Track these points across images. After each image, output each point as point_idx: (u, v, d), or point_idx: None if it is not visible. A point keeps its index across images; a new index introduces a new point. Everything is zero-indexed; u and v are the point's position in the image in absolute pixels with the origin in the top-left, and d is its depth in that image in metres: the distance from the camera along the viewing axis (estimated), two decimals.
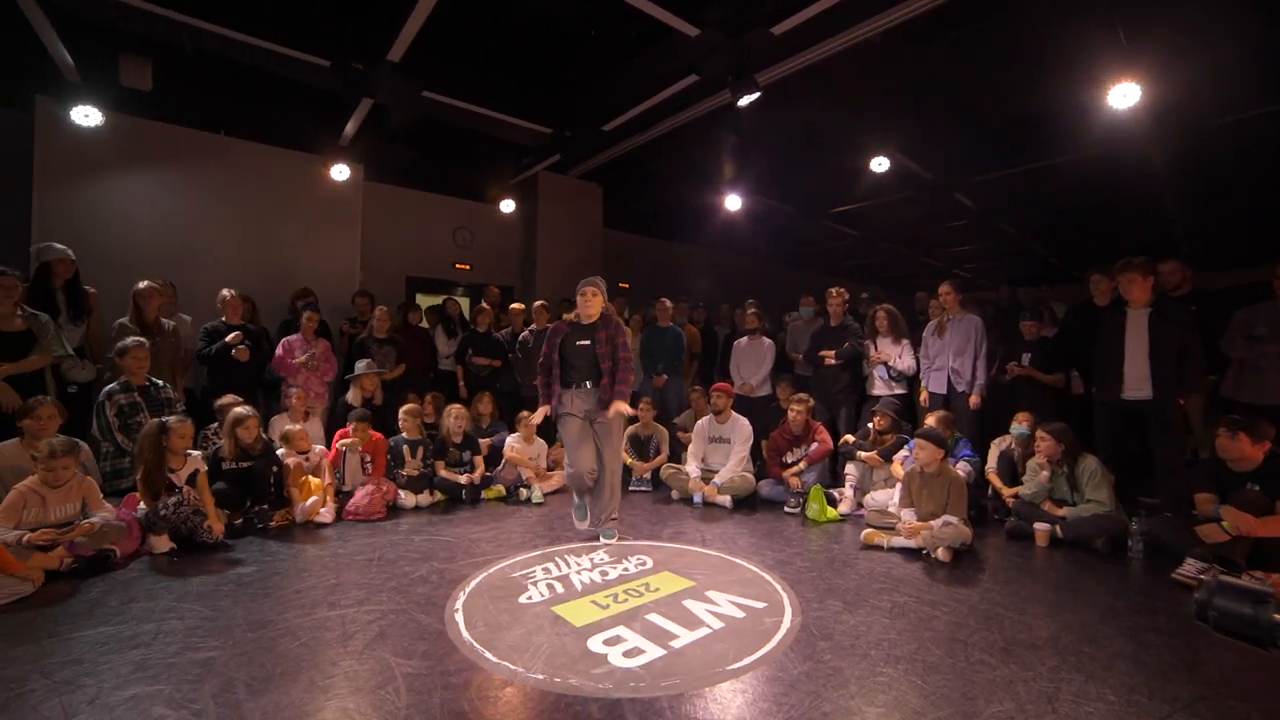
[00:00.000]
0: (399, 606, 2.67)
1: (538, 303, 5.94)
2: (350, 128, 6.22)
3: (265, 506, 3.88)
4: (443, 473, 4.59)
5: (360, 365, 5.07)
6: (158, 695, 1.95)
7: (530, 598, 2.78)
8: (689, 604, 2.73)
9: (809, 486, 4.45)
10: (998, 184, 7.37)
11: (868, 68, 4.92)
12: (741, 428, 4.82)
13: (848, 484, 4.55)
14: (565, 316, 3.89)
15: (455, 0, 4.19)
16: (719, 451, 4.85)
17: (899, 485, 4.16)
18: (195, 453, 3.66)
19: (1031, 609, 2.75)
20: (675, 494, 4.78)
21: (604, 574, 3.10)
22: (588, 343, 3.64)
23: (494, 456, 4.97)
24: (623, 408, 3.58)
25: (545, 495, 4.74)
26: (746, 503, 4.64)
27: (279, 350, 5.06)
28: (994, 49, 4.66)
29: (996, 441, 4.49)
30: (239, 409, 3.96)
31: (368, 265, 7.05)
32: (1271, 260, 3.87)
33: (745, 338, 5.91)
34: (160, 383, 4.16)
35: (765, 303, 6.23)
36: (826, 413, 5.23)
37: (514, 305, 6.34)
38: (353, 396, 5.02)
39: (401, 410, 4.72)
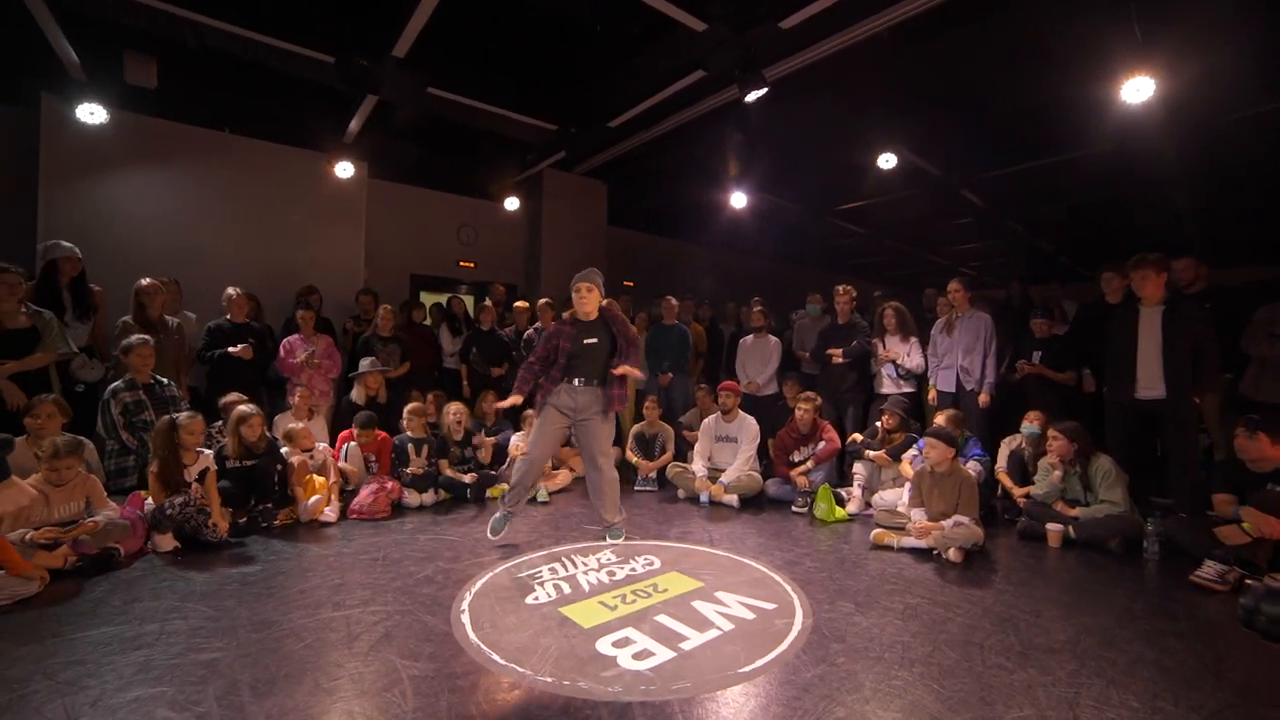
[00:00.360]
0: (404, 607, 2.64)
1: (542, 300, 5.91)
2: (354, 125, 6.19)
3: (269, 505, 3.85)
4: (447, 471, 4.57)
5: (364, 363, 5.05)
6: (161, 697, 1.92)
7: (537, 598, 2.75)
8: (698, 605, 2.69)
9: (817, 486, 4.41)
10: (1006, 180, 7.30)
11: (876, 63, 4.86)
12: (749, 426, 4.78)
13: (855, 483, 4.51)
14: (565, 315, 3.74)
15: None
16: (725, 450, 4.81)
17: (908, 485, 4.12)
18: (207, 451, 3.64)
19: (1047, 611, 2.70)
20: (681, 493, 4.74)
21: (611, 574, 3.06)
22: (596, 341, 3.56)
23: (499, 455, 4.93)
24: (633, 370, 3.53)
25: (550, 494, 4.71)
26: (753, 502, 4.60)
27: (281, 351, 5.04)
28: (1003, 43, 4.60)
29: (1006, 441, 4.44)
30: (242, 407, 3.93)
31: (372, 263, 7.02)
32: None
33: (751, 336, 5.87)
34: (165, 380, 4.14)
35: (771, 301, 6.18)
36: (834, 411, 5.18)
37: (518, 303, 6.31)
38: (357, 395, 4.99)
39: (406, 409, 4.69)
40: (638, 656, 2.22)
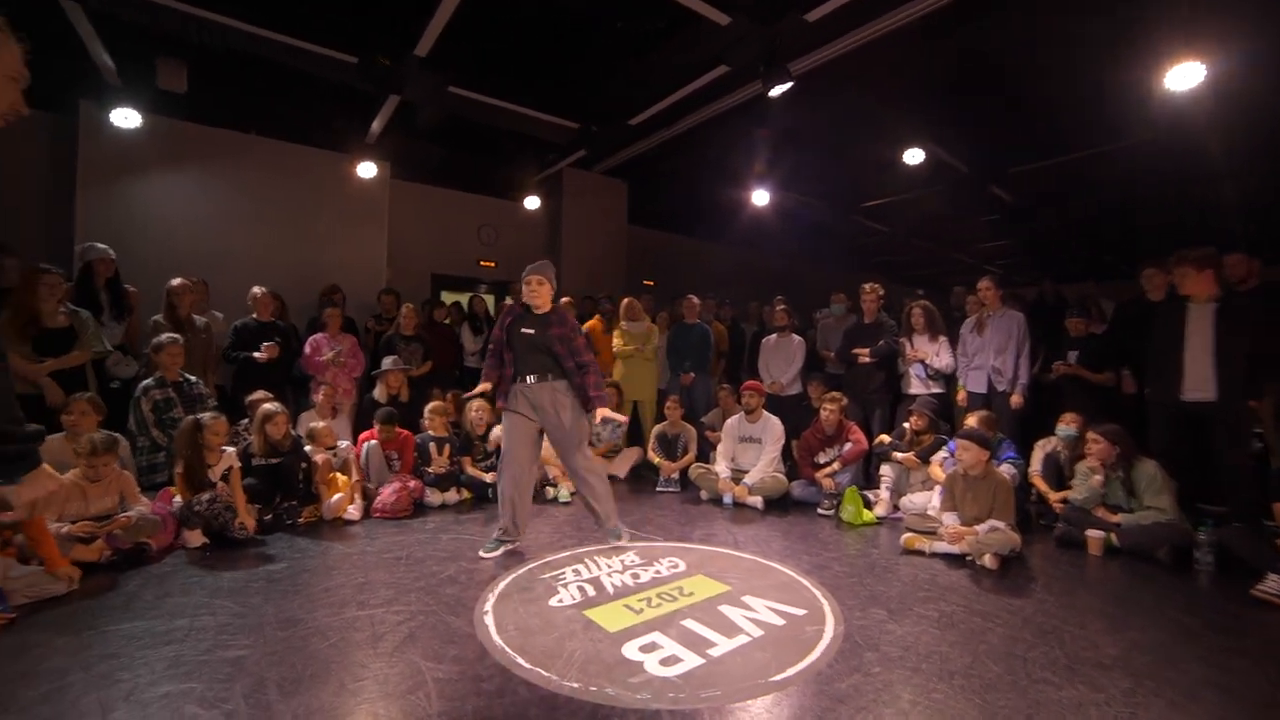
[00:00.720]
0: (428, 607, 2.62)
1: (564, 299, 5.88)
2: (377, 125, 6.23)
3: (294, 502, 3.87)
4: (469, 469, 4.56)
5: (387, 362, 5.06)
6: (190, 693, 1.92)
7: (561, 600, 2.71)
8: (725, 609, 2.63)
9: (843, 488, 4.31)
10: (1036, 175, 7.11)
11: (902, 55, 4.75)
12: (773, 427, 4.70)
13: (883, 486, 4.40)
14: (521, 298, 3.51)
15: None
16: (749, 451, 4.73)
17: (938, 488, 4.01)
18: (230, 449, 3.67)
19: (1093, 624, 2.58)
20: (704, 494, 4.67)
21: (635, 576, 3.01)
22: (532, 332, 3.31)
23: None
24: (607, 412, 3.30)
25: (572, 494, 4.67)
26: (778, 504, 4.52)
27: (307, 349, 5.07)
28: (1035, 32, 4.46)
29: (1040, 443, 4.29)
30: (268, 405, 3.96)
31: (394, 262, 7.07)
32: None
33: (774, 335, 5.78)
34: (193, 379, 4.20)
35: (793, 299, 6.09)
36: (860, 412, 5.07)
37: None
38: (379, 393, 5.01)
39: (427, 408, 4.69)
40: (665, 662, 2.16)
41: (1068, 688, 2.04)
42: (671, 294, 7.24)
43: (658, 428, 5.30)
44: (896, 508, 4.28)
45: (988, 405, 4.59)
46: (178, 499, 3.44)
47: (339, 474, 4.15)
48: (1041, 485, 4.09)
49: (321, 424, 4.37)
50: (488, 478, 4.52)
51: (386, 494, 4.12)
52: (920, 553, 3.45)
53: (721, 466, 4.67)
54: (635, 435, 5.80)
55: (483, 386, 3.49)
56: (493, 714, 1.85)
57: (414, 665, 2.12)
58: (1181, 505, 3.48)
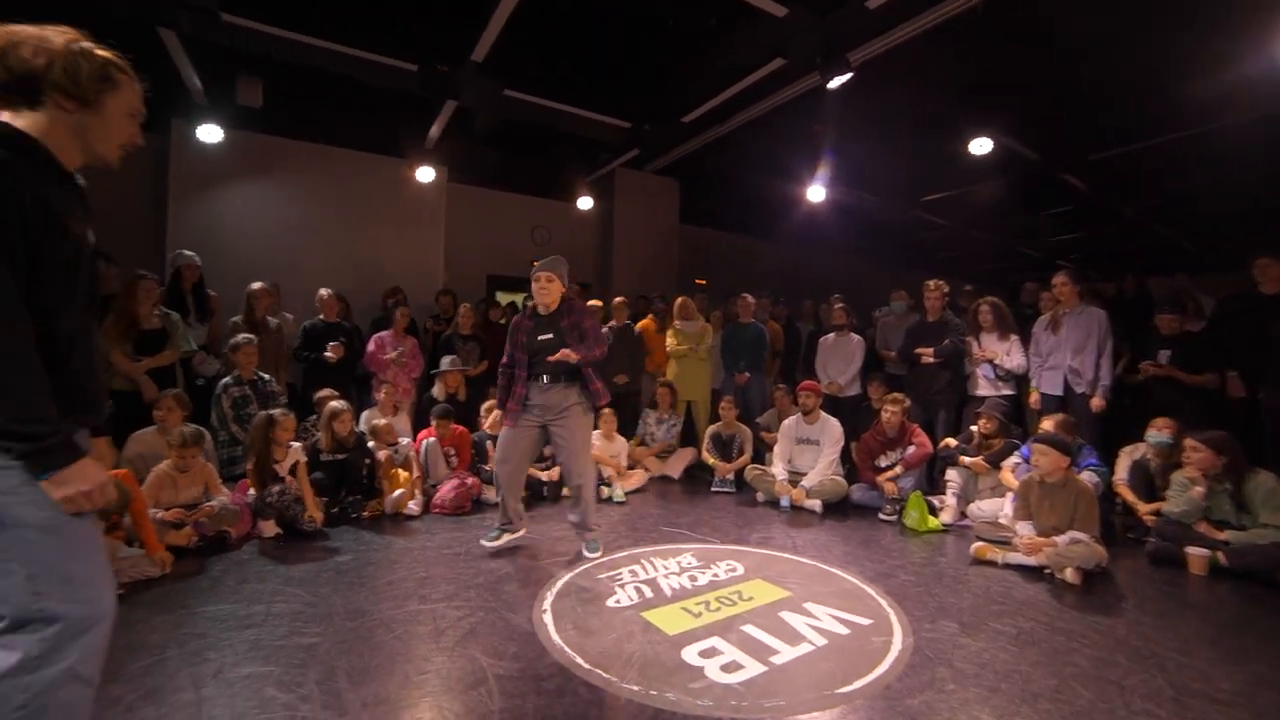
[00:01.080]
0: (487, 604, 2.65)
1: (617, 299, 5.89)
2: (435, 131, 6.40)
3: (358, 497, 4.01)
4: None
5: (445, 361, 5.19)
6: (269, 676, 2.01)
7: (619, 601, 2.69)
8: (786, 616, 2.55)
9: (907, 493, 4.14)
10: (1116, 162, 6.61)
11: (971, 39, 4.50)
12: (831, 429, 4.56)
13: (949, 491, 4.20)
14: (527, 306, 3.47)
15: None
16: (806, 453, 4.60)
17: (1010, 495, 3.79)
18: (297, 444, 3.84)
19: (1201, 652, 2.34)
20: (760, 496, 4.58)
21: (693, 579, 2.97)
22: (550, 336, 3.24)
23: None
24: (568, 354, 3.14)
25: (627, 494, 4.67)
26: (837, 508, 4.38)
27: (371, 346, 5.26)
28: (1120, 6, 4.14)
29: (1127, 450, 3.99)
30: (334, 403, 4.12)
31: (451, 264, 7.26)
32: None
33: (832, 334, 5.62)
34: (267, 376, 4.42)
35: (850, 298, 5.90)
36: (922, 414, 4.86)
37: (592, 302, 6.32)
38: (437, 392, 5.14)
39: (484, 406, 4.78)
40: (727, 668, 2.12)
41: None
42: (724, 293, 7.15)
43: (712, 428, 5.24)
44: (964, 515, 4.08)
45: (1064, 408, 4.32)
46: (252, 491, 3.62)
47: (400, 470, 4.28)
48: (1129, 496, 3.80)
49: (384, 421, 4.52)
50: (543, 476, 4.57)
51: (445, 490, 4.21)
52: (992, 563, 3.27)
53: (778, 468, 4.57)
54: (689, 435, 5.75)
55: (497, 414, 3.52)
56: (553, 713, 1.85)
57: (475, 661, 2.15)
58: None
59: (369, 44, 4.84)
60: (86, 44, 1.23)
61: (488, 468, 4.51)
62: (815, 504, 4.29)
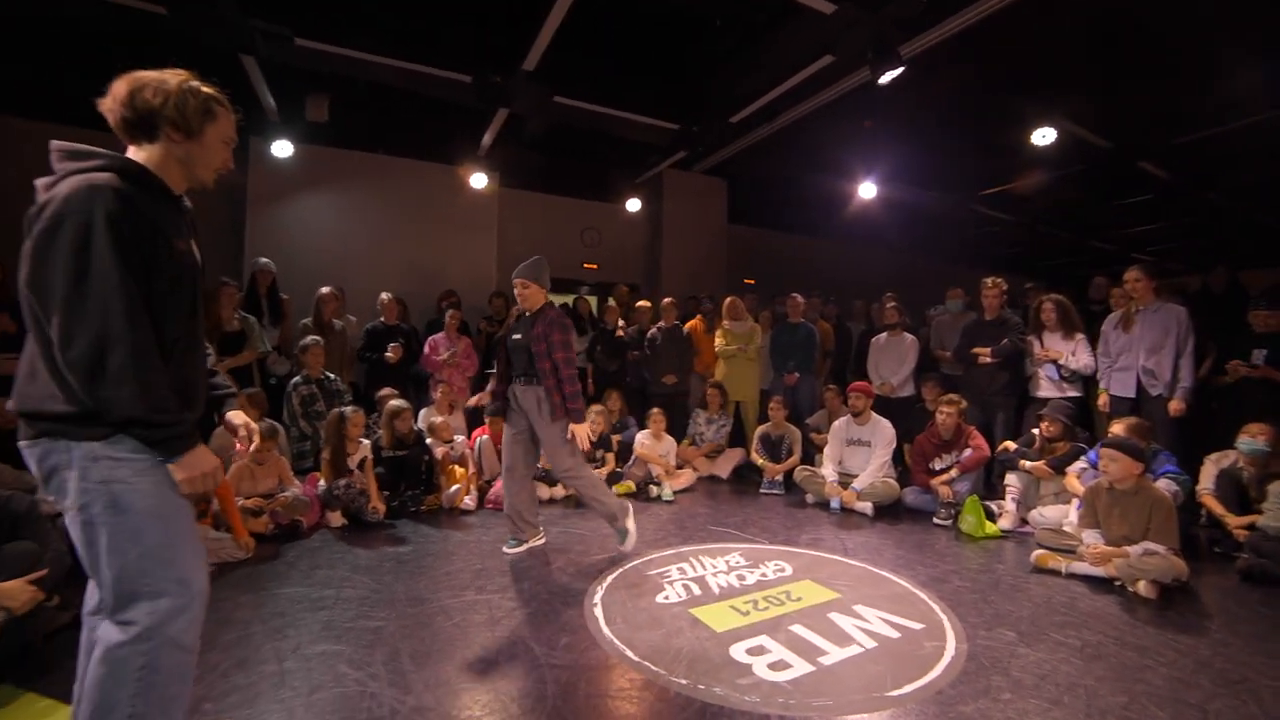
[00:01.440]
0: (540, 596, 2.75)
1: (666, 300, 5.94)
2: (488, 138, 6.61)
3: (417, 491, 4.20)
4: None
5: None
6: (341, 655, 2.17)
7: (667, 598, 2.74)
8: (835, 617, 2.54)
9: (962, 497, 4.01)
10: (1203, 146, 6.15)
11: (1029, 25, 4.32)
12: (883, 430, 4.47)
13: (1009, 497, 4.05)
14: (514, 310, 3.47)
15: (584, 5, 4.25)
16: (857, 455, 4.53)
17: (1075, 501, 3.63)
18: (365, 441, 4.06)
19: None
20: (810, 498, 4.53)
21: (741, 578, 2.98)
22: (519, 336, 3.27)
23: (624, 453, 5.02)
24: (579, 431, 3.18)
25: (675, 493, 4.71)
26: (889, 511, 4.29)
27: (426, 348, 5.49)
28: None
29: (1213, 458, 3.73)
30: (396, 402, 4.32)
31: (503, 266, 7.47)
32: None
33: (884, 334, 5.49)
34: (332, 376, 4.70)
35: (903, 296, 5.75)
36: (980, 416, 4.70)
37: (640, 302, 6.39)
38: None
39: None
40: (774, 667, 2.13)
41: None
42: (774, 293, 7.09)
43: (761, 429, 5.22)
44: (1025, 521, 3.92)
45: (1137, 411, 4.08)
46: (322, 483, 3.85)
47: (457, 466, 4.45)
48: (1216, 507, 3.55)
49: (440, 419, 4.71)
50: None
51: (500, 486, 4.35)
52: (1055, 572, 3.14)
53: (828, 470, 4.51)
54: (738, 436, 5.75)
55: (482, 398, 3.62)
56: (603, 702, 1.91)
57: (529, 650, 2.24)
58: None
59: (426, 58, 5.05)
60: (194, 82, 1.39)
61: (541, 465, 4.63)
62: (866, 506, 4.22)
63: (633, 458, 4.93)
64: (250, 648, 2.21)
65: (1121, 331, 4.31)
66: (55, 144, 1.32)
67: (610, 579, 2.96)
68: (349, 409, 3.97)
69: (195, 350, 1.45)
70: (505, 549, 3.36)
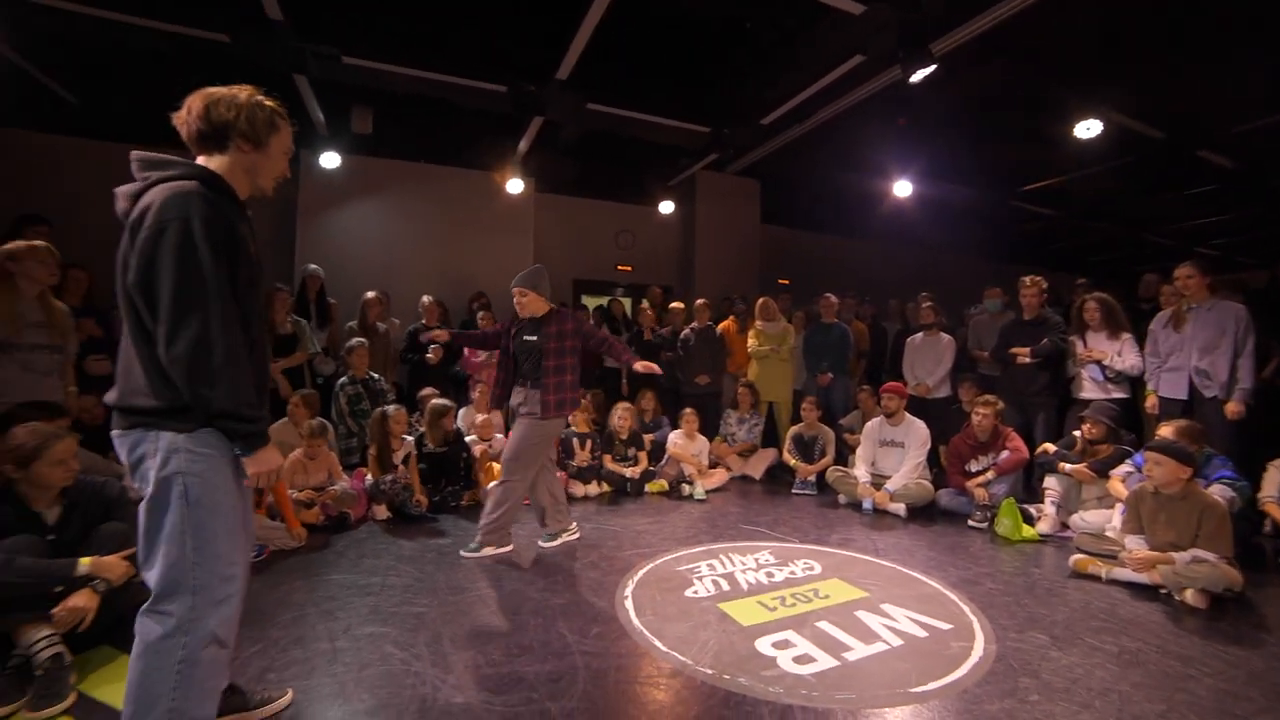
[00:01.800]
0: (573, 588, 2.86)
1: (699, 301, 6.00)
2: (523, 145, 6.80)
3: (457, 487, 4.37)
4: (609, 465, 4.83)
5: None
6: (387, 636, 2.31)
7: (696, 592, 2.81)
8: (862, 615, 2.56)
9: (999, 500, 3.95)
10: (1276, 129, 5.78)
11: (1069, 14, 4.21)
12: (917, 431, 4.43)
13: (1048, 500, 3.96)
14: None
15: (616, 14, 4.35)
16: (890, 456, 4.50)
17: (1119, 506, 3.53)
18: (409, 438, 4.25)
19: None
20: (842, 498, 4.52)
21: (770, 575, 3.03)
22: (534, 338, 3.34)
23: (657, 452, 5.10)
24: (648, 365, 3.38)
25: (707, 492, 4.76)
26: (923, 513, 4.25)
27: (465, 351, 5.68)
28: None
29: (1276, 463, 3.55)
30: (440, 401, 4.50)
31: None
32: None
33: (920, 334, 5.43)
34: (377, 376, 4.93)
35: (940, 296, 5.66)
36: (1018, 417, 4.60)
37: (674, 304, 6.46)
38: None
39: None
40: (799, 660, 2.18)
41: None
42: (808, 293, 7.06)
43: (794, 429, 5.22)
44: (1065, 525, 3.84)
45: (1189, 413, 3.93)
46: (369, 477, 4.05)
47: (494, 463, 4.61)
48: None
49: (483, 417, 4.88)
50: (627, 473, 4.76)
51: None
52: (1094, 578, 3.07)
53: (861, 470, 4.49)
54: (771, 436, 5.76)
55: (581, 416, 3.68)
56: (632, 689, 2.00)
57: (562, 637, 2.34)
58: None
59: (464, 71, 5.25)
60: (260, 97, 1.52)
61: (574, 463, 4.76)
62: (899, 508, 4.19)
63: (665, 457, 5.01)
64: (305, 626, 2.39)
65: (1172, 331, 4.15)
66: (136, 154, 1.43)
67: (641, 573, 3.05)
68: (392, 408, 4.17)
69: (265, 350, 1.58)
70: (541, 543, 3.48)
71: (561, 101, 5.52)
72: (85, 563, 2.03)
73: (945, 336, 5.30)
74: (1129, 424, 4.23)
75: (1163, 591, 2.86)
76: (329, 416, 4.65)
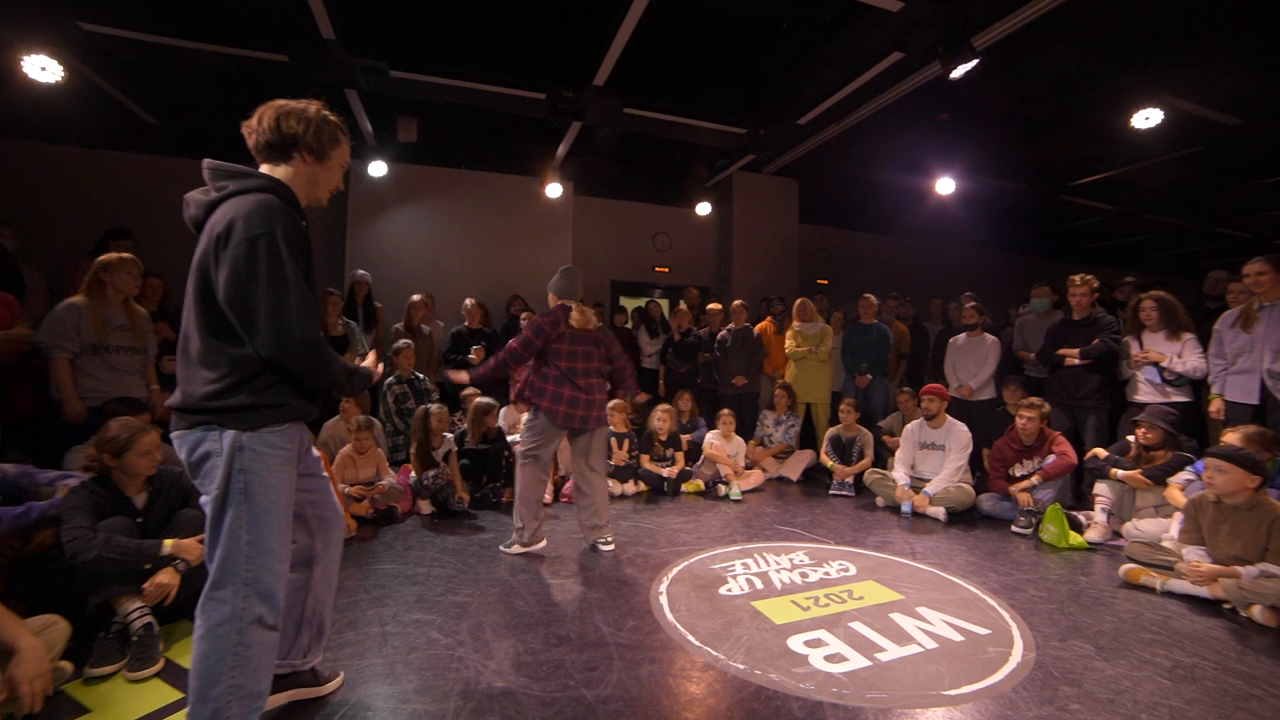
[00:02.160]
0: (610, 583, 2.93)
1: (736, 302, 6.01)
2: (561, 149, 6.93)
3: (498, 483, 4.51)
4: (647, 465, 4.89)
5: None
6: (432, 623, 2.44)
7: (730, 590, 2.84)
8: (896, 617, 2.55)
9: (1044, 505, 3.84)
10: None
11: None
12: (959, 434, 4.34)
13: (1098, 507, 3.83)
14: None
15: (651, 18, 4.39)
16: (930, 459, 4.42)
17: (1177, 515, 3.38)
18: (449, 435, 4.42)
19: None
20: (880, 501, 4.47)
21: (804, 575, 3.04)
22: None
23: (693, 452, 5.14)
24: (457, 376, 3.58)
25: (743, 493, 4.78)
26: (963, 517, 4.17)
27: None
28: None
29: None
30: (484, 399, 4.65)
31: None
32: None
33: (964, 335, 5.30)
34: (421, 376, 5.12)
35: (984, 295, 5.51)
36: (1067, 421, 4.45)
37: (711, 305, 6.48)
38: None
39: (609, 404, 5.11)
40: (830, 659, 2.19)
41: None
42: (848, 293, 6.97)
43: (832, 430, 5.18)
44: (1116, 534, 3.70)
45: (1261, 419, 3.71)
46: (413, 474, 4.23)
47: None
48: None
49: (523, 417, 5.00)
50: (664, 473, 4.81)
51: (573, 483, 4.59)
52: (1148, 589, 2.96)
53: (900, 473, 4.43)
54: (809, 438, 5.72)
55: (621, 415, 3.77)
56: (665, 680, 2.05)
57: (598, 629, 2.42)
58: None
59: (504, 80, 5.41)
60: (327, 112, 1.62)
61: (612, 462, 4.84)
62: (939, 511, 4.12)
63: (702, 457, 5.04)
64: (358, 611, 2.54)
65: (1240, 330, 3.92)
66: (209, 162, 1.52)
67: (675, 571, 3.10)
68: (433, 406, 4.33)
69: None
70: (600, 546, 3.42)
71: (598, 107, 5.62)
72: (168, 544, 2.26)
73: (989, 337, 5.16)
74: (1192, 430, 4.05)
75: (1226, 607, 2.73)
76: (376, 415, 4.87)
